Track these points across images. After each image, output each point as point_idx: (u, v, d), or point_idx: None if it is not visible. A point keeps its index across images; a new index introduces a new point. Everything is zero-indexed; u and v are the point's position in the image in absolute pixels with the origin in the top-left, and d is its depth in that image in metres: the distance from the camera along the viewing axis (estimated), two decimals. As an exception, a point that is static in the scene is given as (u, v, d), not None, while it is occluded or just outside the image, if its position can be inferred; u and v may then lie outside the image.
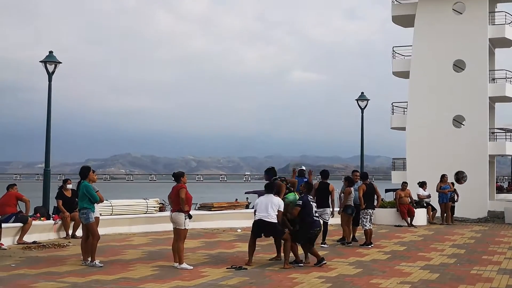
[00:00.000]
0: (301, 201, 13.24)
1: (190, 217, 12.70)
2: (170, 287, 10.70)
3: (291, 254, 13.09)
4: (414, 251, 15.78)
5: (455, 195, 25.18)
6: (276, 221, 12.91)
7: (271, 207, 12.88)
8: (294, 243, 13.17)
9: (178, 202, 12.58)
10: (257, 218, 13.05)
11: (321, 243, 16.24)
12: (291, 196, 13.79)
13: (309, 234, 13.10)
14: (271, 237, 13.67)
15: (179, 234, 12.62)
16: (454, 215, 25.13)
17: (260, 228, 13.08)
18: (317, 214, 13.47)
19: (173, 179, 12.97)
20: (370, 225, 16.81)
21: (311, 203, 13.34)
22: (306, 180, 16.54)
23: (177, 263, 12.54)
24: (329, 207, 16.73)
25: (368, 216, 16.81)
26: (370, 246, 16.38)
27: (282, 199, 13.26)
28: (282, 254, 13.23)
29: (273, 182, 13.55)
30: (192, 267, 12.47)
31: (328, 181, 16.91)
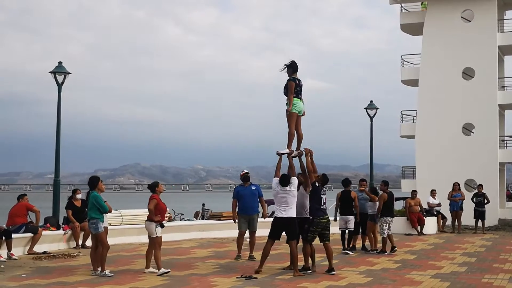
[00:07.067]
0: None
1: (162, 226, 13.13)
2: (180, 296, 10.70)
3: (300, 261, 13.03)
4: (425, 259, 15.70)
5: (484, 199, 24.47)
6: (295, 216, 12.89)
7: (290, 199, 12.81)
8: (306, 248, 13.09)
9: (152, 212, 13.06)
10: (277, 215, 12.96)
11: (343, 250, 16.82)
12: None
13: (314, 224, 13.02)
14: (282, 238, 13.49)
15: (153, 242, 13.05)
16: (484, 224, 24.51)
17: (280, 227, 12.95)
18: (324, 207, 13.33)
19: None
20: (389, 232, 16.99)
21: (321, 195, 13.27)
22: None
23: (147, 269, 12.99)
24: (353, 214, 17.05)
25: (387, 224, 17.00)
26: (386, 253, 16.65)
27: None
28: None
29: (288, 175, 13.20)
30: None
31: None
